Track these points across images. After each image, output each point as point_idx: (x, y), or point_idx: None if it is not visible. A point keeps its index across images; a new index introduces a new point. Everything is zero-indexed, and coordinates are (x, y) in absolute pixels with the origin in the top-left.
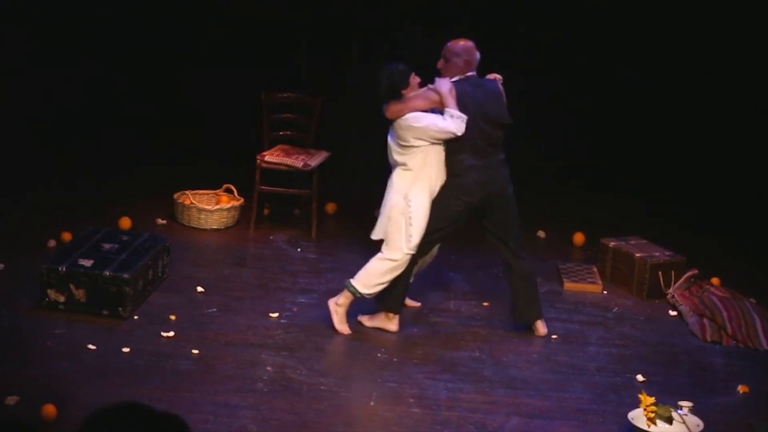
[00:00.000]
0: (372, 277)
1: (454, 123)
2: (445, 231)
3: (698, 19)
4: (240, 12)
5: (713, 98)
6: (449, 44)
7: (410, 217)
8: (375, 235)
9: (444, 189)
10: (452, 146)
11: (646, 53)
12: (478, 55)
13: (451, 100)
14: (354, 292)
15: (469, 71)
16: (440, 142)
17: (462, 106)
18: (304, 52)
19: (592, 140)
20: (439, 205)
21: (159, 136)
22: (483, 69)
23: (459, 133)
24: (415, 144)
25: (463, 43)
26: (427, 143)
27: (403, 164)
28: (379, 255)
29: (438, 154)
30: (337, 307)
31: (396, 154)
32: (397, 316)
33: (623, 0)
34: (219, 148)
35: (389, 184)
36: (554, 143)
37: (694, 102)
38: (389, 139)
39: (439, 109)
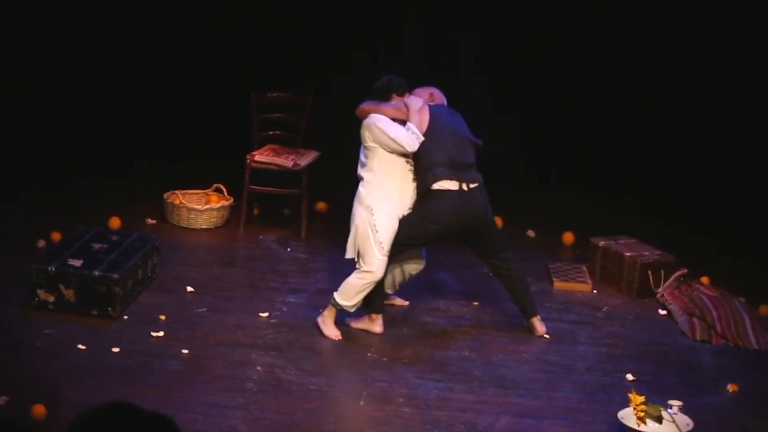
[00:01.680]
0: (352, 290)
1: (408, 137)
2: (418, 245)
3: (697, 19)
4: (239, 12)
5: (706, 98)
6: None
7: (374, 225)
8: (348, 254)
9: (421, 207)
10: (424, 163)
11: (643, 53)
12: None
13: (416, 117)
14: (335, 305)
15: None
16: (395, 153)
17: (436, 123)
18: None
19: (583, 139)
20: (416, 220)
21: (149, 136)
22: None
23: (409, 150)
24: (371, 145)
25: (440, 93)
26: (381, 149)
27: (364, 173)
28: (356, 271)
29: (401, 166)
30: (324, 319)
31: (361, 156)
32: (380, 317)
33: (622, 0)
34: (209, 147)
35: (354, 201)
36: (545, 142)
37: (686, 101)
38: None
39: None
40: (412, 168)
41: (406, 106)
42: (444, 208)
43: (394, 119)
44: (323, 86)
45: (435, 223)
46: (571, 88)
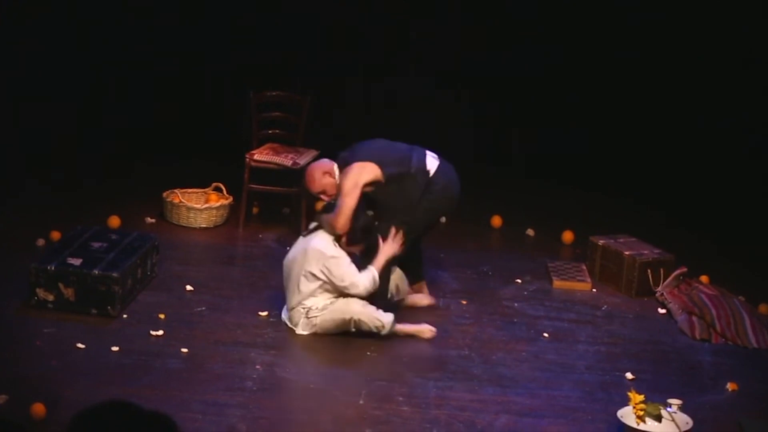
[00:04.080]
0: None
1: (363, 286)
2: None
3: (694, 17)
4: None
5: (705, 95)
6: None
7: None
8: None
9: (438, 196)
10: (402, 173)
11: (641, 50)
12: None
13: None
14: (379, 330)
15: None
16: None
17: (368, 154)
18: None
19: (582, 139)
20: (433, 207)
21: (149, 134)
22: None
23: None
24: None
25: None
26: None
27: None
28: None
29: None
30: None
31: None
32: (423, 284)
33: None
34: (208, 146)
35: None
36: (543, 142)
37: (685, 98)
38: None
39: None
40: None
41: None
42: (451, 180)
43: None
44: (314, 85)
45: (445, 209)
46: (571, 87)
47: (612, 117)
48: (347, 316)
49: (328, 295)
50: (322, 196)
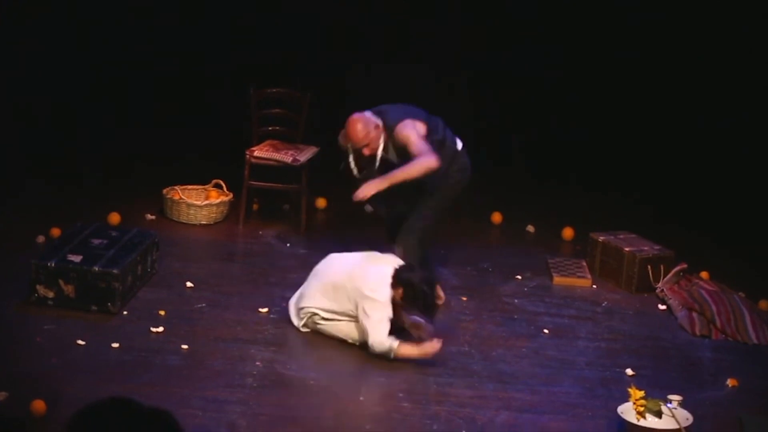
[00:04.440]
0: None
1: (377, 350)
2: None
3: (694, 17)
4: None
5: (704, 90)
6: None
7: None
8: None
9: (457, 178)
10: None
11: (640, 47)
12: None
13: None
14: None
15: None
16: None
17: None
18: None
19: (582, 135)
20: (448, 193)
21: (148, 131)
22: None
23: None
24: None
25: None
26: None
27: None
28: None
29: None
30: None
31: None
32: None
33: None
34: (208, 143)
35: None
36: (544, 138)
37: (683, 94)
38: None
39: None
40: None
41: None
42: (468, 164)
43: None
44: (314, 82)
45: (462, 182)
46: (571, 83)
47: (612, 117)
48: (347, 339)
49: (340, 315)
50: (364, 149)
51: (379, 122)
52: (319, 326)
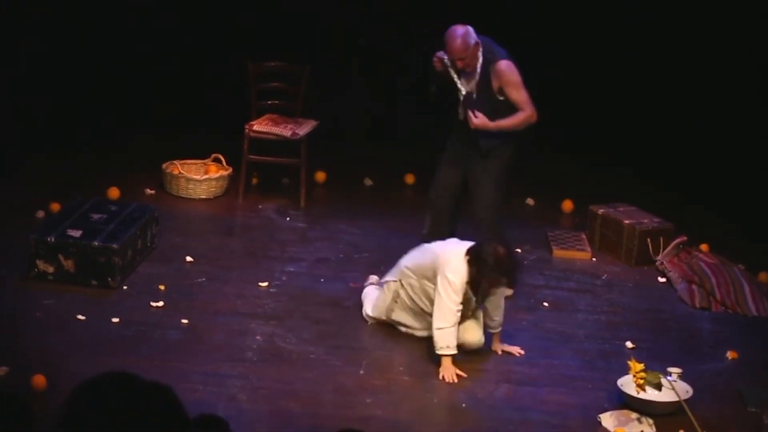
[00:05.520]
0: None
1: (441, 324)
2: None
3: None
4: None
5: (703, 63)
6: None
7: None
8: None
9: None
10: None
11: (640, 20)
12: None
13: None
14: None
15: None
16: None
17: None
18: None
19: (582, 107)
20: (505, 169)
21: (148, 105)
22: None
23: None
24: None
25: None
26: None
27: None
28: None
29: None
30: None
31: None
32: None
33: None
34: (207, 117)
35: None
36: (544, 111)
37: (683, 67)
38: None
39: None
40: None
41: None
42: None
43: None
44: (321, 55)
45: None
46: (570, 57)
47: (612, 84)
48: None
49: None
50: (459, 62)
51: (479, 41)
52: (404, 289)
